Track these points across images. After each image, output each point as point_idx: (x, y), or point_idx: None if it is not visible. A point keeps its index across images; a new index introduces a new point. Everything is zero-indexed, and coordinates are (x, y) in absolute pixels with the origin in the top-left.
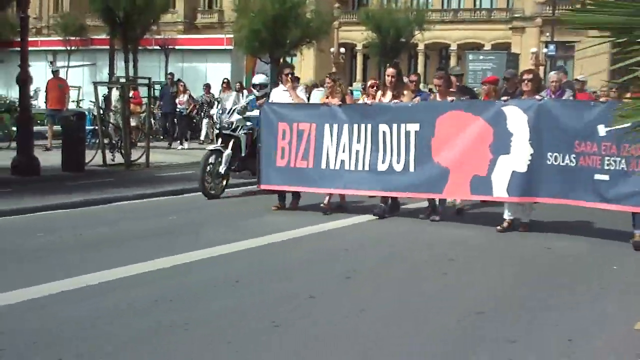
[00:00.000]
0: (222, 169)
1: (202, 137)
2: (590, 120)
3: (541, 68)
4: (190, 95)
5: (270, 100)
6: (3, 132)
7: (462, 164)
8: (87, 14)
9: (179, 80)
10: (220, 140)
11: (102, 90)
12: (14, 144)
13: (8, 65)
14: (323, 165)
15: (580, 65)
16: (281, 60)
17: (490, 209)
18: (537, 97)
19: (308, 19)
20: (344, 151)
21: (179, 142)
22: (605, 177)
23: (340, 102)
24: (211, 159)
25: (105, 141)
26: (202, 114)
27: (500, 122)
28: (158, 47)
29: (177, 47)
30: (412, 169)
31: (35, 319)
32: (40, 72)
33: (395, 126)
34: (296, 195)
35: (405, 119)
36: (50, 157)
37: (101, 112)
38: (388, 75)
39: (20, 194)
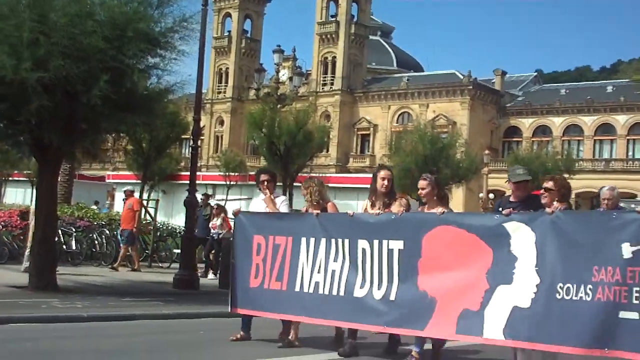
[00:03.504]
0: None
1: None
2: (611, 237)
3: None
4: (224, 218)
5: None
6: (165, 254)
7: (451, 294)
8: (245, 155)
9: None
10: None
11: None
12: (173, 265)
13: (170, 196)
14: (297, 288)
15: None
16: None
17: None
18: (548, 209)
19: (458, 160)
20: (319, 271)
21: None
22: (634, 315)
23: (318, 212)
24: None
25: None
26: None
27: (501, 242)
28: None
29: (330, 185)
30: (393, 297)
31: None
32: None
33: (376, 243)
34: (290, 323)
35: (387, 234)
36: (209, 277)
37: None
38: (383, 179)
39: (181, 303)
